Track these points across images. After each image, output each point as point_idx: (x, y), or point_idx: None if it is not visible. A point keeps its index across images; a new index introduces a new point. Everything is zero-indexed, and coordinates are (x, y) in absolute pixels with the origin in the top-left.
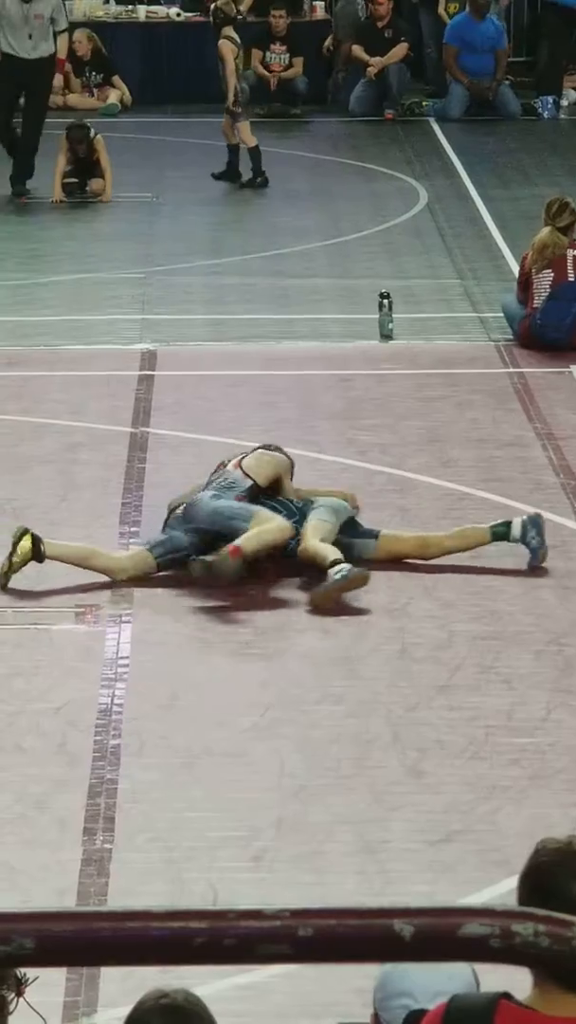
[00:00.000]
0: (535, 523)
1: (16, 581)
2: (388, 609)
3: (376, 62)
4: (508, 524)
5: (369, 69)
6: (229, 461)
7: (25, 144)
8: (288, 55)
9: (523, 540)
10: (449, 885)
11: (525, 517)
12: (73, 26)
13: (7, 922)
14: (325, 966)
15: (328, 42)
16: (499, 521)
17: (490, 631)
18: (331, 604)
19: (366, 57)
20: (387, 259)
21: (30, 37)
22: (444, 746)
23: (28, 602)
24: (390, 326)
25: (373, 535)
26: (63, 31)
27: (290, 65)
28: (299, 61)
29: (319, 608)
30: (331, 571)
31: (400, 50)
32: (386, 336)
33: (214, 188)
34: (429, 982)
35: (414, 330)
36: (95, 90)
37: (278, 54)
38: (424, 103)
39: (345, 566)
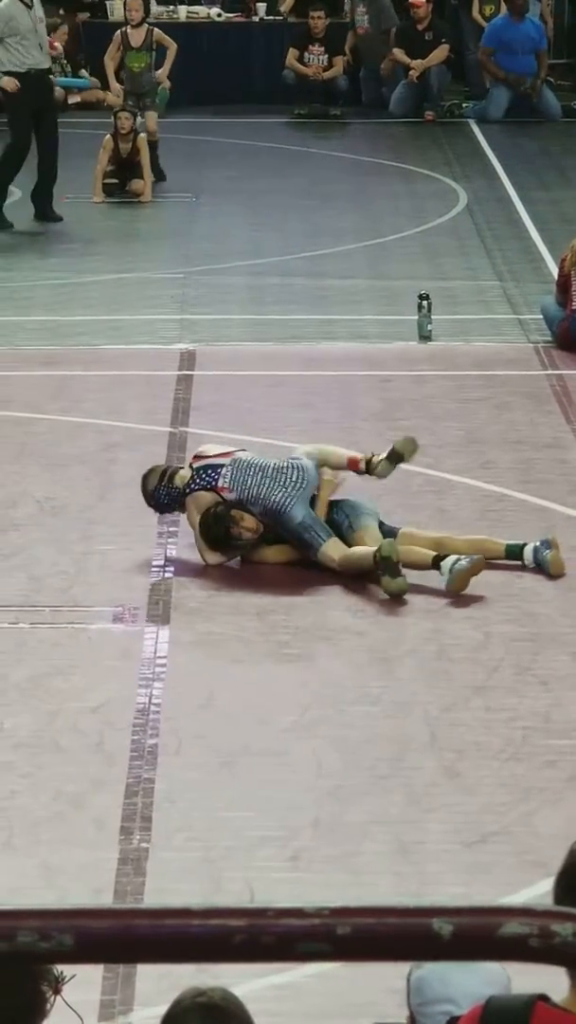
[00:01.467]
0: (547, 545)
1: (54, 580)
2: (425, 610)
3: (417, 64)
4: (522, 547)
5: (411, 72)
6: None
7: (49, 168)
8: (327, 56)
9: (535, 561)
10: (485, 886)
11: (538, 543)
12: (115, 26)
13: (46, 918)
14: (361, 966)
15: (351, 41)
16: (515, 542)
17: (527, 632)
18: (466, 587)
19: (407, 59)
20: (426, 260)
21: (40, 47)
22: (481, 747)
23: (66, 602)
24: (429, 327)
25: (393, 533)
26: None
27: (330, 65)
28: (339, 60)
29: (458, 592)
30: (445, 563)
31: (441, 52)
32: (425, 337)
33: (253, 189)
34: (469, 987)
35: (453, 331)
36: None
37: (316, 55)
38: (464, 104)
39: (457, 557)
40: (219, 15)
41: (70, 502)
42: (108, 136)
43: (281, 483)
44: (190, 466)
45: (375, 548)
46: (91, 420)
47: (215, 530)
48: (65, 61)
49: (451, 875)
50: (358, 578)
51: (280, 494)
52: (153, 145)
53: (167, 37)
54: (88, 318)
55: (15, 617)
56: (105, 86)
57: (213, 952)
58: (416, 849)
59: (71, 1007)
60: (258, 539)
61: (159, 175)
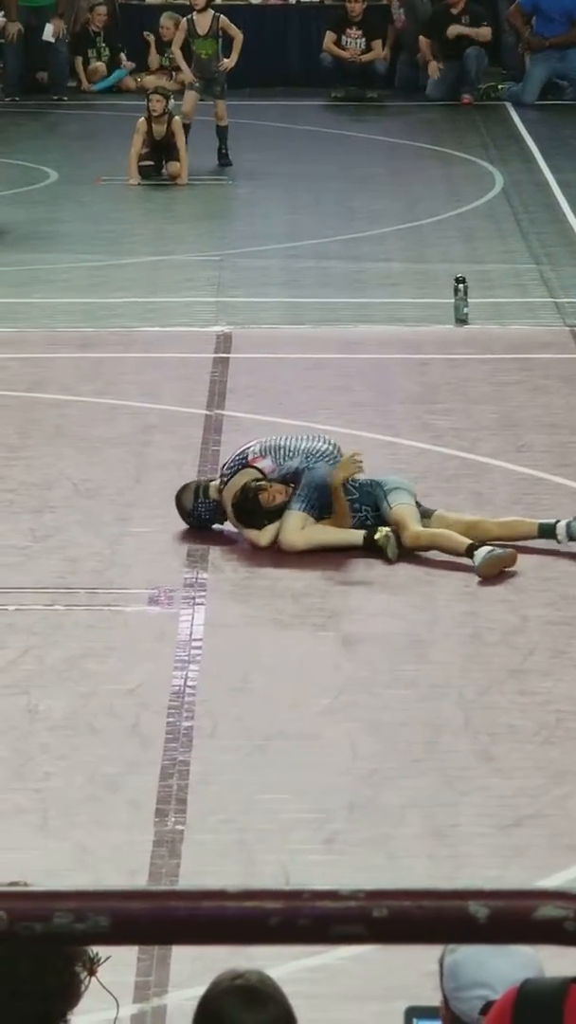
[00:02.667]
0: None
1: (90, 562)
2: (460, 593)
3: (453, 31)
4: (555, 524)
5: (431, 67)
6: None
7: None
8: (364, 39)
9: (569, 535)
10: (519, 870)
11: (572, 519)
12: (155, 10)
13: (83, 900)
14: (395, 949)
15: (391, 38)
16: (548, 520)
17: (563, 616)
18: (494, 574)
19: (429, 55)
20: (462, 244)
21: None
22: (515, 731)
23: (102, 584)
24: (465, 310)
25: (428, 514)
26: None
27: (368, 48)
28: (377, 44)
29: (487, 578)
30: (479, 553)
31: (485, 31)
32: (461, 320)
33: (290, 171)
34: (504, 971)
35: (489, 315)
36: (174, 73)
37: (354, 39)
38: (500, 87)
39: (491, 548)
40: None
41: (105, 484)
42: (142, 119)
43: (314, 441)
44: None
45: (363, 533)
46: (127, 402)
47: (248, 505)
48: (104, 44)
49: (485, 858)
50: (394, 563)
51: (314, 443)
52: (223, 132)
53: (233, 26)
54: (124, 300)
55: (51, 599)
56: (141, 69)
57: (249, 934)
58: (450, 832)
59: (106, 988)
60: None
61: (224, 160)
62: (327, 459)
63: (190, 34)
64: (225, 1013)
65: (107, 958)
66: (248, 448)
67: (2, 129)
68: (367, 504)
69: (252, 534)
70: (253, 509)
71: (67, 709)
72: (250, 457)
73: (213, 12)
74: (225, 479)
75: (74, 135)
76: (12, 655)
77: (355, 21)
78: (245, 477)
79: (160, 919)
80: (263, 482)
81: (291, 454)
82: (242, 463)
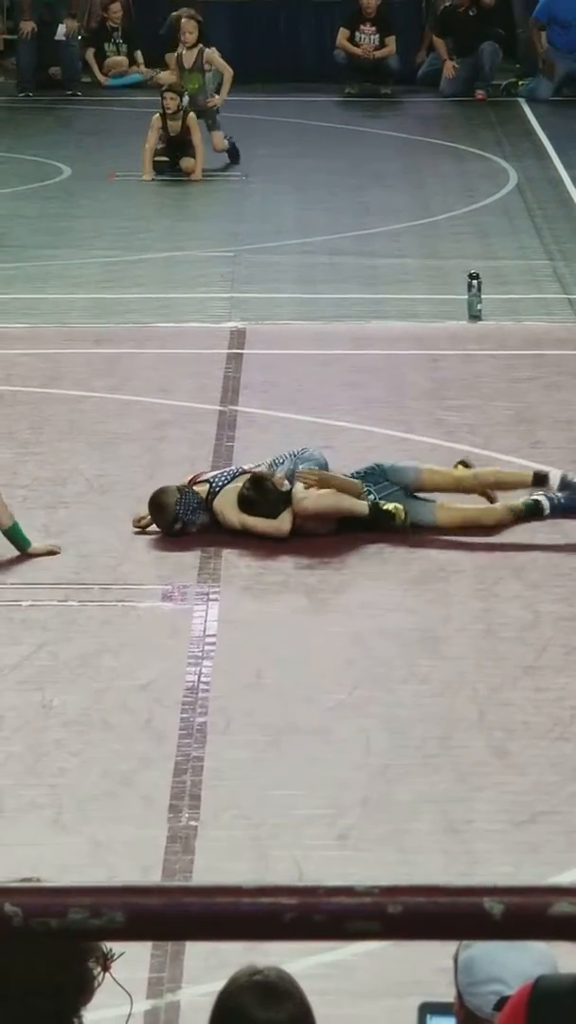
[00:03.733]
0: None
1: (103, 558)
2: (475, 589)
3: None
4: (547, 473)
5: (446, 68)
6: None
7: None
8: (378, 35)
9: (563, 485)
10: (533, 866)
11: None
12: (172, 6)
13: (98, 895)
14: (410, 944)
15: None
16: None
17: None
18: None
19: (444, 52)
20: (476, 239)
21: None
22: (530, 727)
23: (116, 580)
24: (479, 306)
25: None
26: None
27: (382, 45)
28: (391, 40)
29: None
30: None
31: None
32: (475, 316)
33: (303, 167)
34: (519, 967)
35: (503, 311)
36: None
37: (368, 34)
38: (520, 83)
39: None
40: None
41: (119, 480)
42: (156, 115)
43: (299, 447)
44: (202, 482)
45: (369, 504)
46: (140, 398)
47: (257, 495)
48: (121, 41)
49: (500, 854)
50: (410, 558)
51: (299, 448)
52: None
53: (223, 62)
54: (138, 296)
55: (64, 595)
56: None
57: (264, 930)
58: (465, 828)
59: (120, 984)
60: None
61: (234, 157)
62: (314, 449)
63: (180, 68)
64: (243, 1009)
65: (121, 954)
66: (240, 465)
67: (15, 124)
68: (370, 483)
69: (269, 524)
70: (269, 491)
71: (81, 705)
72: (245, 468)
73: (201, 45)
74: (217, 485)
75: (88, 131)
76: (26, 651)
77: (369, 17)
78: (243, 480)
79: (175, 915)
80: (262, 473)
81: (281, 460)
82: (237, 472)
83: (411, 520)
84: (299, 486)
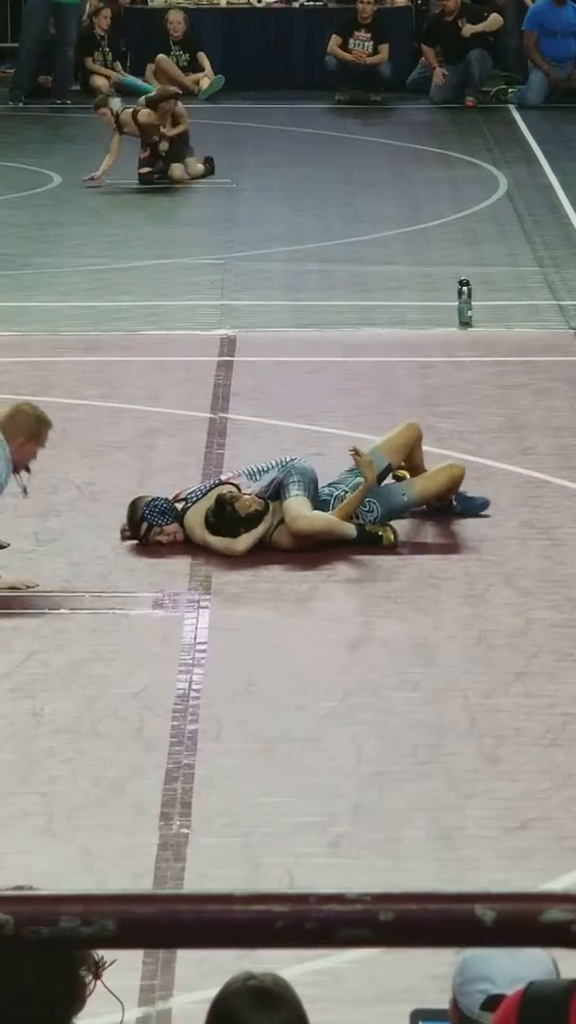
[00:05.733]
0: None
1: (94, 566)
2: (466, 596)
3: (468, 29)
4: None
5: (435, 73)
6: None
7: None
8: (372, 42)
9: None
10: (525, 872)
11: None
12: (161, 10)
13: (89, 903)
14: (402, 952)
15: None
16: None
17: (568, 619)
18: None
19: (433, 60)
20: (466, 246)
21: None
22: (521, 733)
23: (106, 587)
24: (469, 313)
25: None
26: None
27: (375, 51)
28: (384, 48)
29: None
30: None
31: (494, 19)
32: (465, 323)
33: (294, 174)
34: (509, 967)
35: (493, 318)
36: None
37: (362, 41)
38: (510, 90)
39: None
40: (260, 1)
41: (110, 488)
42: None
43: (284, 456)
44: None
45: (356, 526)
46: (131, 406)
47: (224, 512)
48: (108, 48)
49: (491, 861)
50: (401, 566)
51: (285, 456)
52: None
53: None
54: (128, 304)
55: (55, 603)
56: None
57: (255, 938)
58: (456, 835)
59: (112, 992)
60: (268, 516)
61: (209, 169)
62: (303, 459)
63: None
64: (237, 1014)
65: (112, 962)
66: (220, 475)
67: (5, 133)
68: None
69: (225, 542)
70: (229, 516)
71: (72, 713)
72: (224, 477)
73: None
74: (190, 501)
75: (77, 139)
76: (17, 659)
77: (364, 23)
78: (218, 491)
79: (167, 923)
80: (236, 491)
81: (265, 468)
82: (215, 483)
83: (389, 506)
84: (296, 502)
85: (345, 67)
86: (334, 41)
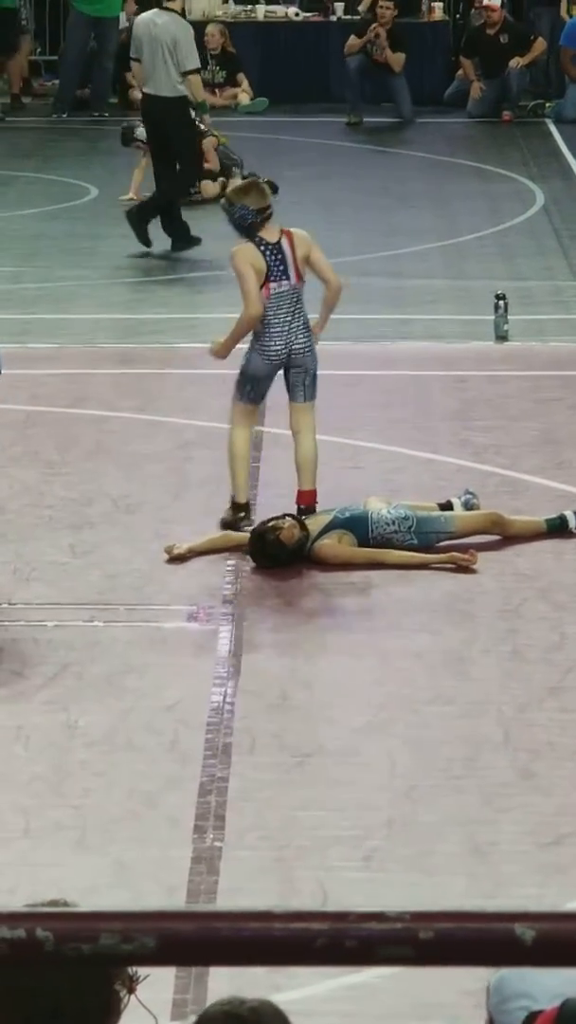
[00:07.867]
0: None
1: (129, 578)
2: (500, 610)
3: (516, 62)
4: (562, 518)
5: (473, 88)
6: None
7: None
8: (389, 44)
9: None
10: (559, 888)
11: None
12: (194, 24)
13: (129, 921)
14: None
15: None
16: (552, 516)
17: None
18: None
19: (472, 74)
20: (503, 260)
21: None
22: (555, 748)
23: (141, 600)
24: (505, 327)
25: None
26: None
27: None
28: (401, 56)
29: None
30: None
31: (540, 44)
32: (501, 337)
33: (330, 188)
34: (548, 983)
35: (529, 331)
36: (216, 89)
37: (379, 47)
38: (547, 105)
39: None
40: (297, 14)
41: (145, 500)
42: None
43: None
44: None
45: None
46: (167, 418)
47: (261, 547)
48: (215, 65)
49: (525, 876)
50: (435, 579)
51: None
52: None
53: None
54: (165, 316)
55: (90, 615)
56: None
57: (295, 955)
58: (490, 850)
59: (145, 1006)
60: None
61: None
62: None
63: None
64: None
65: (147, 976)
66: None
67: (44, 145)
68: (404, 530)
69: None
70: (269, 552)
71: (106, 725)
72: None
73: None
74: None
75: (114, 151)
76: (51, 671)
77: (384, 27)
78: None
79: (206, 940)
80: (276, 521)
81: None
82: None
83: (426, 530)
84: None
85: (362, 69)
86: (351, 40)
